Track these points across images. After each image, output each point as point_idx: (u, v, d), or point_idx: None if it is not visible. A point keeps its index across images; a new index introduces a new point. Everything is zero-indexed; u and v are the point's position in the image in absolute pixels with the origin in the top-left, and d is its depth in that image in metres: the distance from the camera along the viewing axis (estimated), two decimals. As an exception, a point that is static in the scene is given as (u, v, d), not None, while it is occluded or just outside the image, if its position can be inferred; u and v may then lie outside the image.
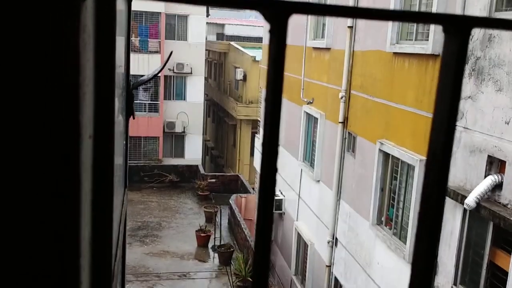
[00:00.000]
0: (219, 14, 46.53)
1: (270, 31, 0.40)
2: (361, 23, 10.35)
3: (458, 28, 0.41)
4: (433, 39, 7.61)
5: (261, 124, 18.85)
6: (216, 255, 17.38)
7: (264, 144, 0.41)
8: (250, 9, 0.39)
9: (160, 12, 26.08)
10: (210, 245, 18.24)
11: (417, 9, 8.42)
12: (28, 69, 0.43)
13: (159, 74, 25.95)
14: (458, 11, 7.02)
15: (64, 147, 0.47)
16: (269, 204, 0.44)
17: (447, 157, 0.42)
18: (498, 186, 6.15)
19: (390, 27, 8.93)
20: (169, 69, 26.41)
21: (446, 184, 0.46)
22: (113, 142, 0.81)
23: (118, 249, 1.49)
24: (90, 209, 0.64)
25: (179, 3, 0.40)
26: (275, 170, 0.43)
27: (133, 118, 1.79)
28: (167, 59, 3.38)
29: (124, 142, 1.70)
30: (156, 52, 26.10)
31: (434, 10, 7.60)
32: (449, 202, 7.06)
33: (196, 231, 18.45)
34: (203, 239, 18.19)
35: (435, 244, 0.48)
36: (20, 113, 0.45)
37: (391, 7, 8.87)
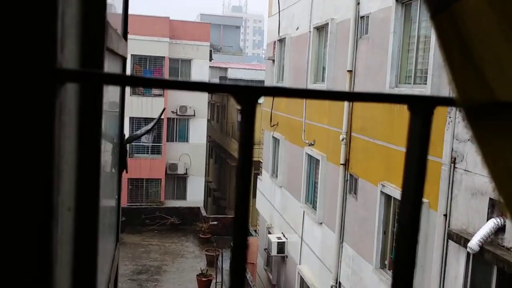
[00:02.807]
0: (223, 58, 47.39)
1: (240, 112, 0.41)
2: (361, 67, 10.52)
3: (421, 107, 0.42)
4: (431, 83, 7.70)
5: (262, 163, 18.56)
6: (218, 300, 17.04)
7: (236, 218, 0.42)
8: (223, 93, 0.42)
9: (164, 57, 26.58)
10: (211, 290, 17.92)
11: (413, 68, 8.58)
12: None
13: (162, 117, 26.19)
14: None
15: (38, 217, 0.48)
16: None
17: (415, 237, 0.43)
18: (501, 229, 6.08)
19: (389, 70, 9.07)
20: (172, 111, 26.69)
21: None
22: (98, 214, 0.82)
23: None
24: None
25: (167, 89, 0.42)
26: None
27: (126, 172, 1.81)
28: (160, 114, 3.44)
29: (117, 197, 1.71)
30: (160, 95, 26.44)
31: (431, 56, 7.73)
32: (452, 246, 6.97)
33: (197, 275, 18.13)
34: (204, 284, 17.85)
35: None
36: None
37: (389, 56, 9.03)
